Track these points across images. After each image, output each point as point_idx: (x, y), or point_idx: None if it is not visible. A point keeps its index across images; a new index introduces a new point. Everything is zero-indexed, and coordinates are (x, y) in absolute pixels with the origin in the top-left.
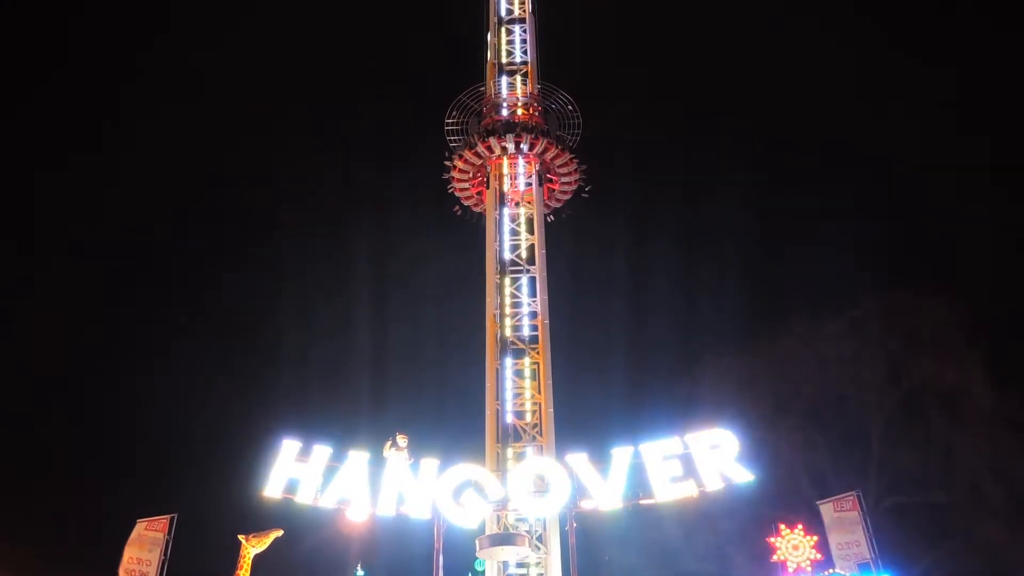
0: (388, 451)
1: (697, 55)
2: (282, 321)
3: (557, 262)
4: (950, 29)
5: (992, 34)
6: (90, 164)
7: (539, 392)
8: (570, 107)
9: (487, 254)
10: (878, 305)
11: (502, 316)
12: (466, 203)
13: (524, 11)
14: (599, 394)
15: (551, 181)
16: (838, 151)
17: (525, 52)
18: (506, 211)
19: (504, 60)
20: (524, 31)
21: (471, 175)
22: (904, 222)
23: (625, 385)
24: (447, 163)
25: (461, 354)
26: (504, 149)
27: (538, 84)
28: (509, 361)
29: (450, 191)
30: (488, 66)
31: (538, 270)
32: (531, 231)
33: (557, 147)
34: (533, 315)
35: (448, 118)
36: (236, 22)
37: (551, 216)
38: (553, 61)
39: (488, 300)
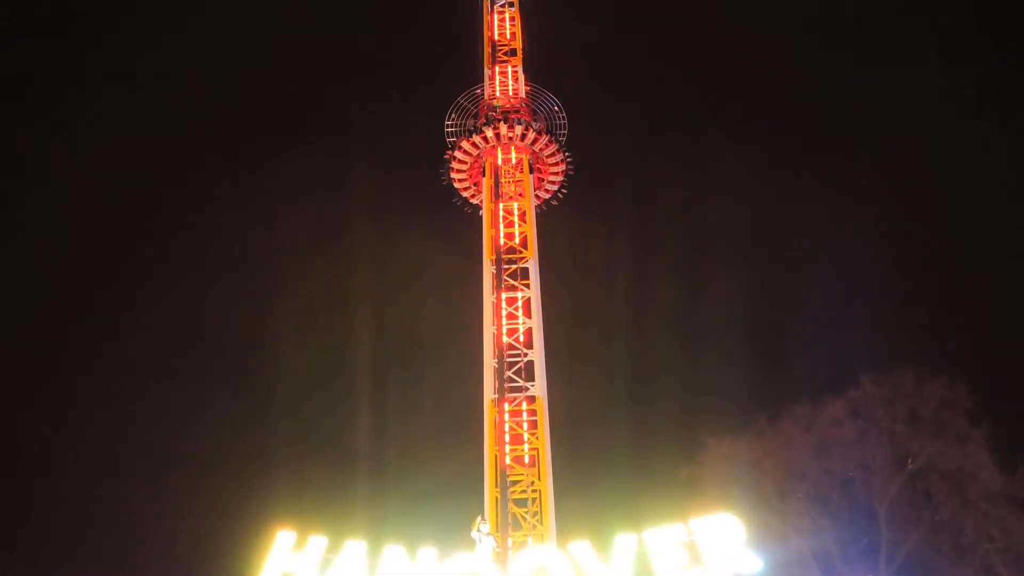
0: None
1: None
2: (276, 411)
3: (552, 346)
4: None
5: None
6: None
7: (539, 479)
8: (556, 108)
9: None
10: (879, 386)
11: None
12: (463, 193)
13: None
14: (600, 480)
15: (540, 171)
16: (836, 228)
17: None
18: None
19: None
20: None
21: (469, 165)
22: (903, 300)
23: (627, 470)
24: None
25: (460, 439)
26: (499, 136)
27: (527, 86)
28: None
29: (448, 183)
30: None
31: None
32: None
33: (544, 135)
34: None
35: (447, 119)
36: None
37: (546, 205)
38: (547, 77)
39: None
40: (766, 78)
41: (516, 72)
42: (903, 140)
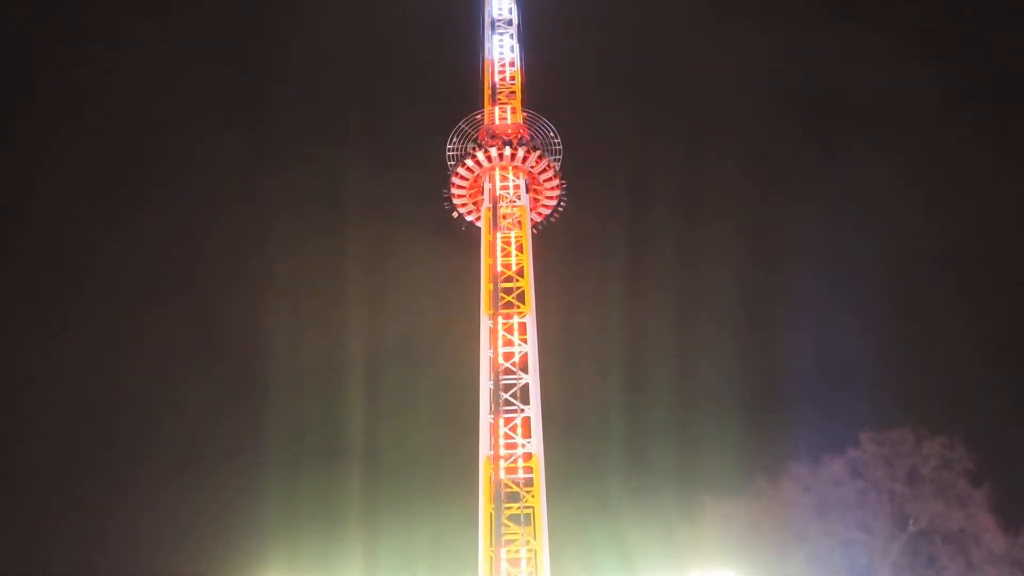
0: None
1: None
2: (268, 455)
3: (552, 408)
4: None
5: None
6: None
7: (535, 537)
8: (551, 132)
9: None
10: (878, 445)
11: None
12: (467, 217)
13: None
14: (598, 537)
15: (536, 191)
16: (833, 288)
17: (516, 130)
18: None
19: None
20: (517, 123)
21: (469, 185)
22: (900, 359)
23: (624, 525)
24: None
25: (456, 492)
26: (499, 157)
27: (524, 112)
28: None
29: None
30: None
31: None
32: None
33: (540, 156)
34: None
35: (449, 144)
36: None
37: (545, 223)
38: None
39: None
40: (756, 144)
41: (517, 127)
42: (893, 208)
